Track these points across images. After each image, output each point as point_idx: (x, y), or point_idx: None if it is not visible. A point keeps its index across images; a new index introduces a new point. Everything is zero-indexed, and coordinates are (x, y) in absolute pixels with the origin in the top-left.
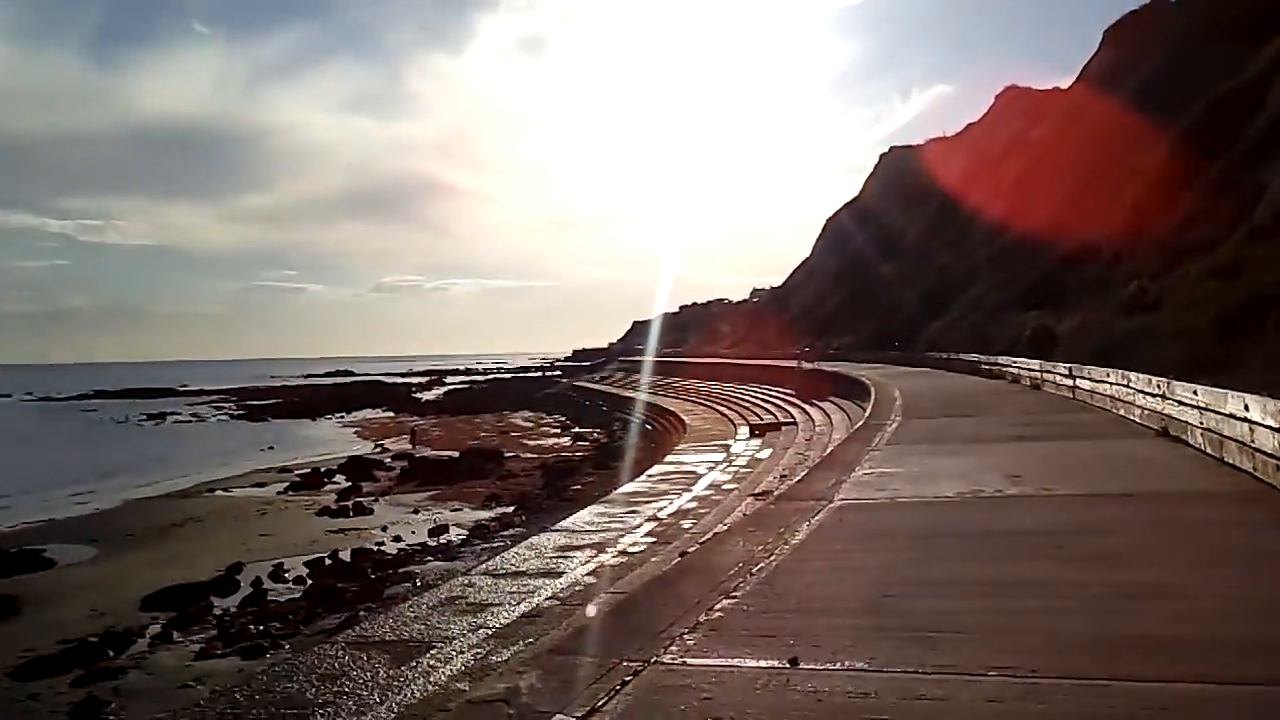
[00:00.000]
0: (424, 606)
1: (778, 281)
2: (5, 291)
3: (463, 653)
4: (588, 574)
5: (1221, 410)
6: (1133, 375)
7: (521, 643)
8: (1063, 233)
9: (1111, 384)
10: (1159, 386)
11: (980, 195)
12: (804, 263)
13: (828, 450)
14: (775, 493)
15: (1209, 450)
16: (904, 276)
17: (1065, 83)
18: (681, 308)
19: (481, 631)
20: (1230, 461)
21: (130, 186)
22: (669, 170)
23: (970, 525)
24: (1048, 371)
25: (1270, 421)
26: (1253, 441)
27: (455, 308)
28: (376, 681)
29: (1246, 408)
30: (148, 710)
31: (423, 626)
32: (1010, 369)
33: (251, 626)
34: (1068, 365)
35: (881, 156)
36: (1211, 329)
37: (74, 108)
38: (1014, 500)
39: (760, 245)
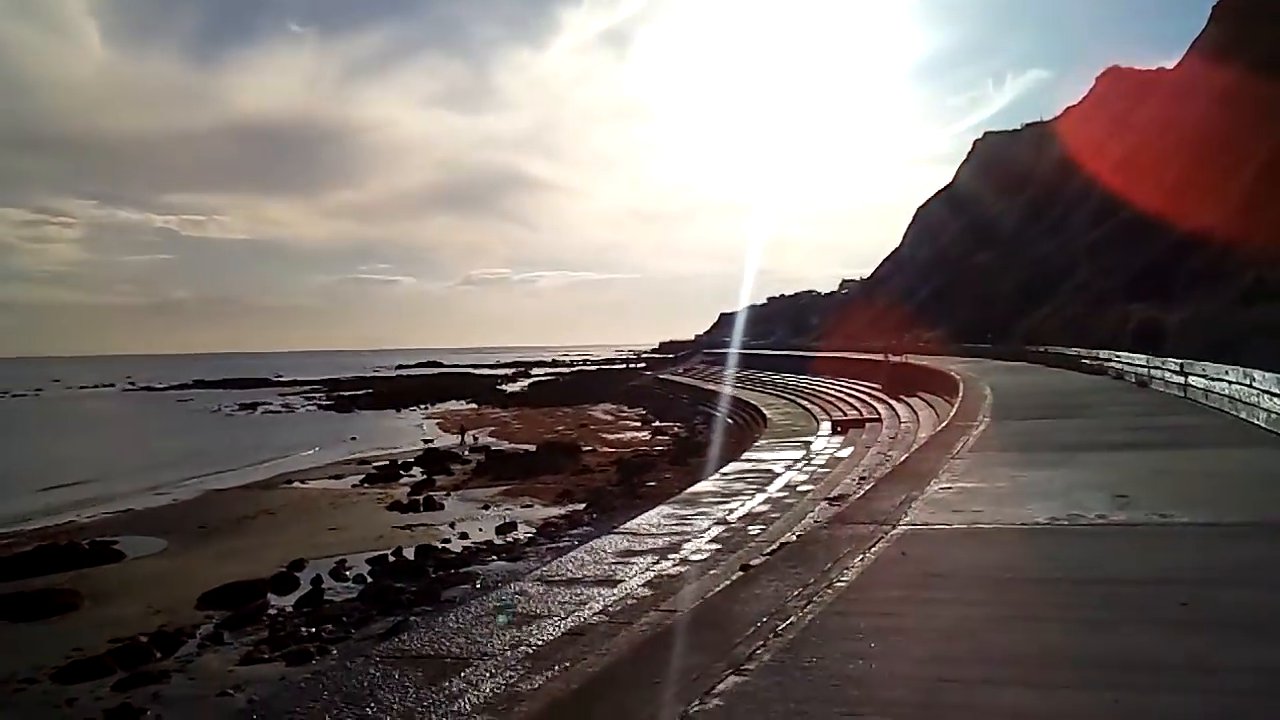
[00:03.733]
0: (469, 616)
1: (866, 273)
2: (112, 285)
3: (494, 675)
4: (643, 584)
5: None
6: (1257, 373)
7: (556, 668)
8: (1170, 219)
9: (1230, 383)
10: None
11: (1080, 181)
12: (893, 253)
13: (903, 458)
14: (842, 504)
15: None
16: (999, 266)
17: (1170, 62)
18: (769, 299)
19: (521, 649)
20: None
21: (230, 183)
22: (755, 161)
23: (1064, 567)
24: (1155, 367)
25: None
26: None
27: (542, 300)
28: (403, 705)
29: None
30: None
31: (464, 640)
32: (1113, 364)
33: (303, 629)
34: (1178, 361)
35: (975, 143)
36: None
37: (175, 107)
38: (1121, 531)
39: (849, 236)
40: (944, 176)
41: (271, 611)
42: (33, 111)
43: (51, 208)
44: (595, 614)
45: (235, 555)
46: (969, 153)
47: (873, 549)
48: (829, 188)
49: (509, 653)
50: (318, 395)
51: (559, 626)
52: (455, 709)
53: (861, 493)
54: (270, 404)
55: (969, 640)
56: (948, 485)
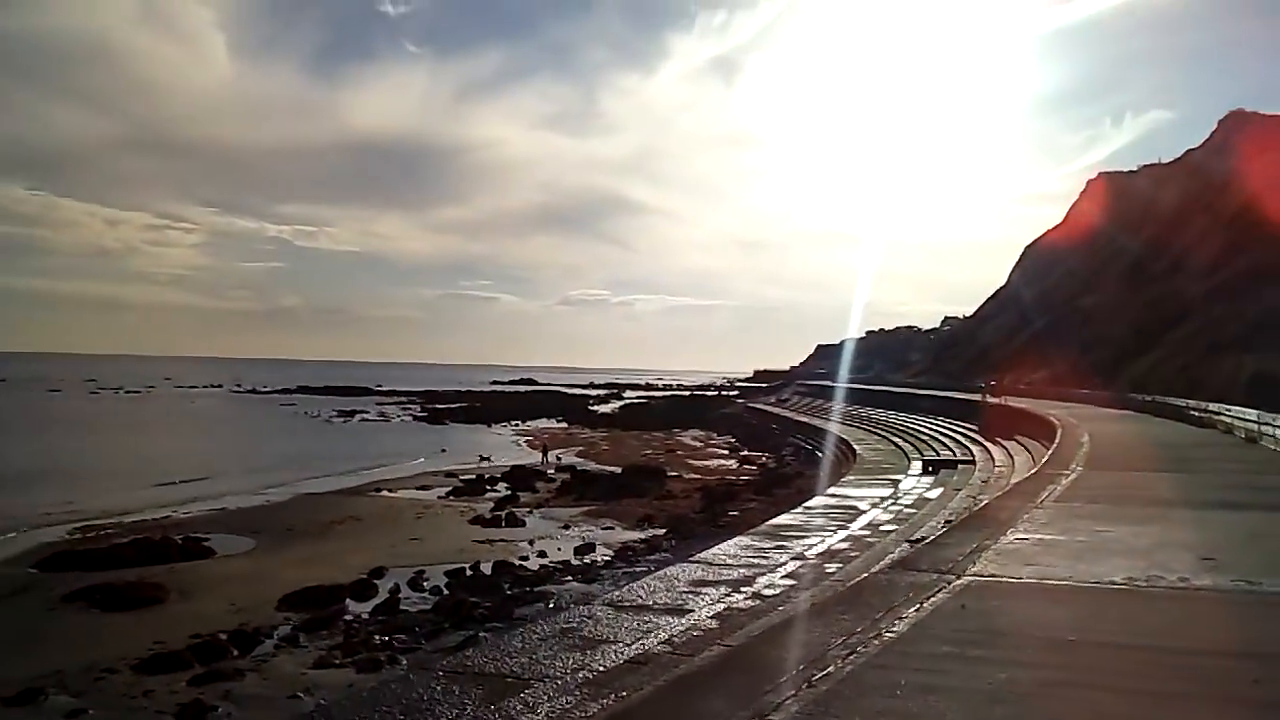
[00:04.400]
0: (535, 636)
1: (969, 310)
2: (227, 290)
3: (552, 699)
4: (711, 616)
5: None
6: None
7: (613, 696)
8: None
9: None
10: None
11: (1198, 226)
12: (998, 292)
13: (984, 503)
14: (914, 547)
15: None
16: (1108, 310)
17: None
18: (868, 333)
19: (582, 674)
20: None
21: (341, 196)
22: (860, 193)
23: (1135, 632)
24: (1266, 423)
25: None
26: None
27: (639, 323)
28: None
29: None
30: (249, 719)
31: (527, 660)
32: (1222, 418)
33: (377, 637)
34: None
35: (1089, 183)
36: None
37: (293, 120)
38: (1202, 596)
39: (952, 272)
40: (1055, 216)
41: (348, 617)
42: (160, 119)
43: (173, 213)
44: (660, 643)
45: (319, 559)
46: (1082, 191)
47: (931, 599)
48: (935, 222)
49: (568, 677)
50: (413, 406)
51: (622, 654)
52: None
53: (932, 538)
54: (367, 413)
55: (1014, 705)
56: (1024, 535)
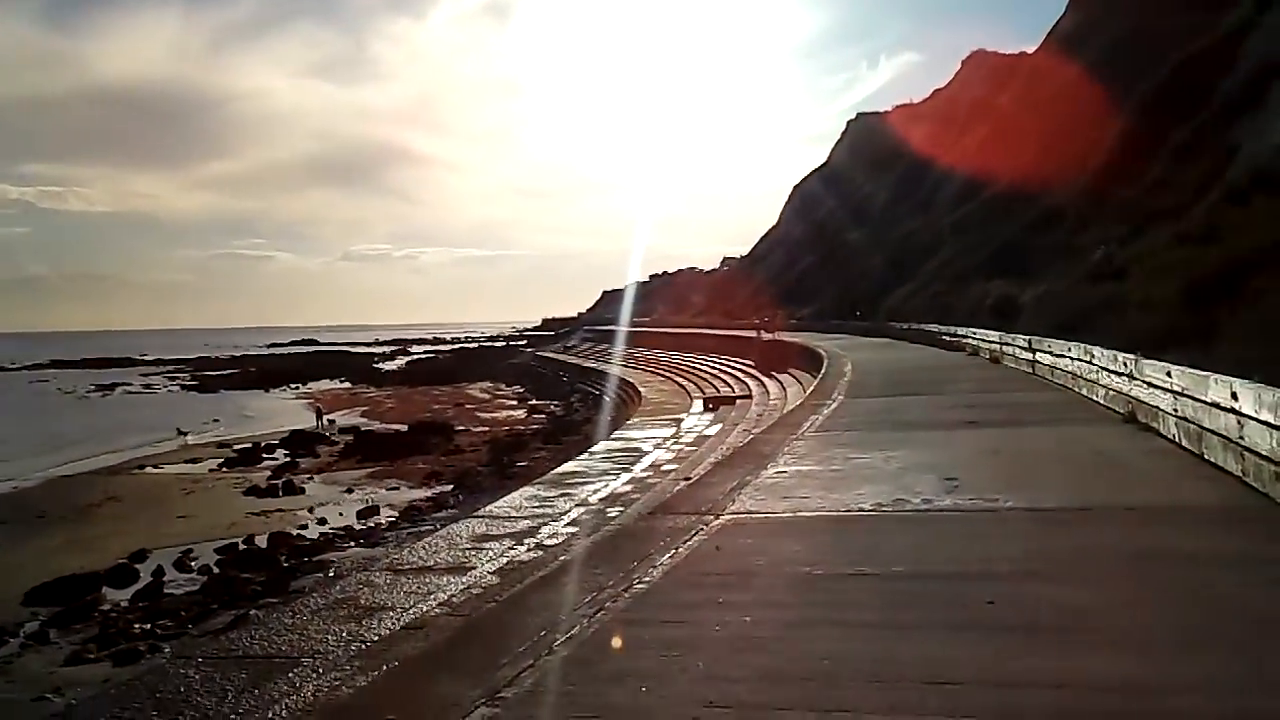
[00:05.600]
0: (308, 610)
1: (747, 250)
2: None
3: (320, 675)
4: (493, 572)
5: (1202, 398)
6: (1096, 350)
7: (385, 665)
8: (1028, 199)
9: (1073, 359)
10: (1125, 364)
11: (946, 161)
12: (771, 231)
13: (748, 438)
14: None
15: (1185, 444)
16: (871, 244)
17: (1032, 46)
18: (651, 276)
19: (354, 646)
20: (1212, 460)
21: (92, 153)
22: (639, 139)
23: (879, 559)
24: (1007, 344)
25: (1267, 415)
26: (1242, 438)
27: (425, 276)
28: (219, 712)
29: (1235, 396)
30: None
31: (297, 636)
32: (970, 340)
33: (137, 625)
34: (1027, 337)
35: (849, 123)
36: (1182, 298)
37: (30, 72)
38: (944, 517)
39: (730, 214)
40: (821, 156)
41: (105, 607)
42: None
43: None
44: (438, 605)
45: (74, 546)
46: (843, 132)
47: (688, 542)
48: (713, 166)
49: (340, 650)
50: (182, 375)
51: (398, 620)
52: (270, 715)
53: (696, 477)
54: (130, 385)
55: (757, 654)
56: (785, 468)
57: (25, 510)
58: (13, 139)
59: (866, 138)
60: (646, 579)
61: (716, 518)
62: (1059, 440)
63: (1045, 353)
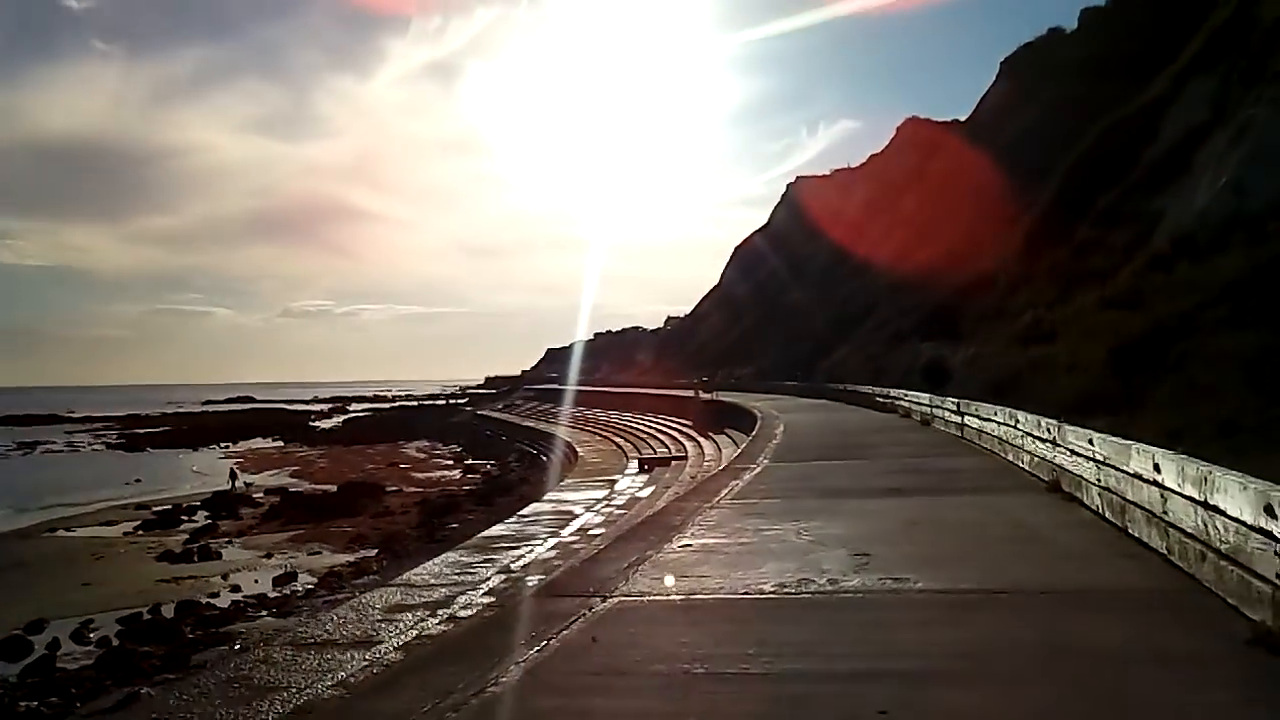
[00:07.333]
0: (196, 690)
1: (689, 309)
2: None
3: None
4: (398, 649)
5: (1125, 468)
6: (1021, 415)
7: None
8: (960, 263)
9: (999, 423)
10: (1049, 430)
11: (882, 225)
12: (712, 290)
13: (661, 505)
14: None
15: (1109, 516)
16: (811, 304)
17: (964, 114)
18: (596, 335)
19: None
20: (1136, 535)
21: (26, 206)
22: (586, 198)
23: (769, 651)
24: (937, 407)
25: (1191, 490)
26: (1165, 513)
27: (367, 334)
28: None
29: (1157, 468)
30: None
31: (184, 718)
32: (902, 402)
33: (23, 704)
34: (955, 400)
35: (788, 186)
36: (1109, 362)
37: None
38: (847, 602)
39: (675, 274)
40: (762, 218)
41: None
42: None
43: None
44: (331, 687)
45: None
46: (783, 195)
47: (563, 632)
48: (655, 226)
49: None
50: (109, 433)
51: (288, 704)
52: None
53: (595, 551)
54: (54, 443)
55: None
56: (691, 541)
57: None
58: None
59: (805, 200)
60: (504, 680)
61: (604, 600)
62: (981, 510)
63: (973, 416)
